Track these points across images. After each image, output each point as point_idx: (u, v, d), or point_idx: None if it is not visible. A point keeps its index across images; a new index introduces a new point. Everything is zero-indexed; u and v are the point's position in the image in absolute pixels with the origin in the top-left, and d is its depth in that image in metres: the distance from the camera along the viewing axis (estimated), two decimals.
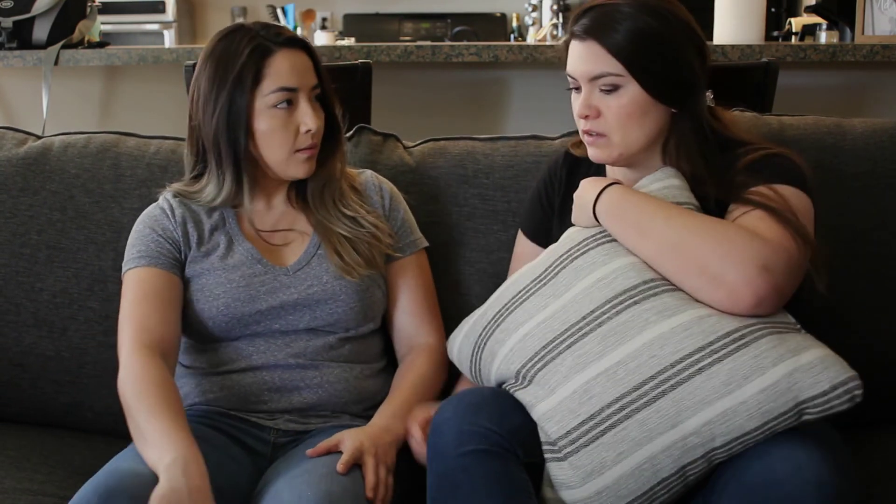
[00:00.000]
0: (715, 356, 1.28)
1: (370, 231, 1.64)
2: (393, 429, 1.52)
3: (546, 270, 1.48)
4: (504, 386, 1.46)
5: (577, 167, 1.64)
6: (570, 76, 1.51)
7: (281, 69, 1.55)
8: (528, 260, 1.63)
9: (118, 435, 1.78)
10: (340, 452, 1.44)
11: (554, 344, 1.39)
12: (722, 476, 1.29)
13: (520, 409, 1.39)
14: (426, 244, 1.74)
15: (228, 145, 1.57)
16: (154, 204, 1.67)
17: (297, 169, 1.59)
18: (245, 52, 1.54)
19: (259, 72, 1.54)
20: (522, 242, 1.70)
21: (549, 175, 1.68)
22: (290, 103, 1.56)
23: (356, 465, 1.43)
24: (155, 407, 1.41)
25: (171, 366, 1.53)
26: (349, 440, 1.45)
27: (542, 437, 1.37)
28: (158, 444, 1.37)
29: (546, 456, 1.36)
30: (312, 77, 1.59)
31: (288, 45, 1.57)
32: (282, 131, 1.56)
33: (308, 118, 1.56)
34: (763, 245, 1.33)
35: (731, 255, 1.32)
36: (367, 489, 1.39)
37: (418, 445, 1.48)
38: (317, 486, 1.35)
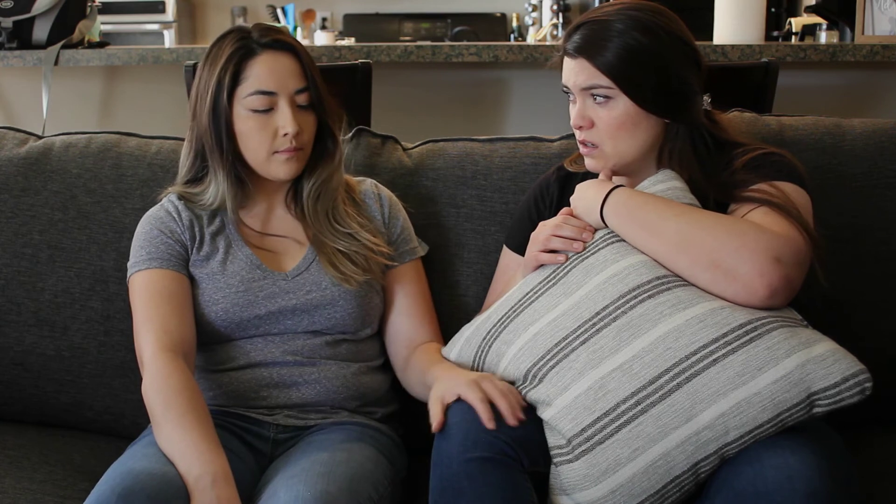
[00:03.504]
0: (729, 347, 1.29)
1: (366, 245, 1.64)
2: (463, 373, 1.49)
3: (555, 271, 1.49)
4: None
5: (569, 183, 1.65)
6: (564, 87, 1.52)
7: (260, 72, 1.55)
8: (514, 274, 1.64)
9: (118, 434, 1.79)
10: (340, 451, 1.47)
11: (567, 341, 1.39)
12: (714, 482, 1.29)
13: (527, 417, 1.39)
14: (424, 252, 1.75)
15: (216, 145, 1.58)
16: (158, 205, 1.67)
17: (279, 170, 1.59)
18: (227, 53, 1.56)
19: (237, 75, 1.55)
20: (508, 256, 1.70)
21: (541, 191, 1.69)
22: (270, 106, 1.56)
23: (356, 466, 1.44)
24: (184, 417, 1.43)
25: (192, 366, 1.54)
26: (464, 390, 1.40)
27: (551, 441, 1.37)
28: (187, 457, 1.39)
29: (555, 460, 1.36)
30: (297, 80, 1.58)
31: (272, 48, 1.57)
32: (259, 133, 1.56)
33: (286, 121, 1.56)
34: (773, 237, 1.35)
35: (744, 248, 1.34)
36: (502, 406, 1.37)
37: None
38: (313, 486, 1.35)
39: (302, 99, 1.59)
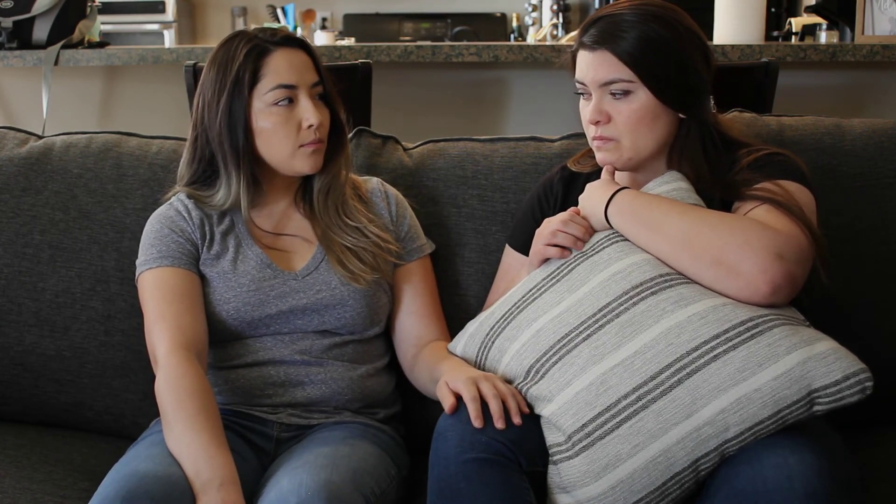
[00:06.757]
0: (730, 343, 1.29)
1: (374, 241, 1.65)
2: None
3: (559, 268, 1.49)
4: (511, 385, 1.46)
5: (573, 183, 1.66)
6: (579, 82, 1.52)
7: (278, 67, 1.57)
8: (517, 273, 1.64)
9: (118, 434, 1.80)
10: (343, 446, 1.48)
11: (570, 337, 1.40)
12: (713, 482, 1.30)
13: (523, 417, 1.39)
14: (432, 249, 1.76)
15: (231, 147, 1.58)
16: (167, 204, 1.68)
17: (304, 164, 1.60)
18: (242, 53, 1.57)
19: (256, 72, 1.57)
20: (511, 255, 1.71)
21: (545, 191, 1.69)
22: (291, 101, 1.58)
23: (359, 460, 1.45)
24: (195, 419, 1.43)
25: (205, 365, 1.55)
26: (461, 385, 1.42)
27: (550, 439, 1.37)
28: (196, 459, 1.39)
29: (554, 458, 1.36)
30: (312, 75, 1.61)
31: (285, 44, 1.59)
32: (283, 128, 1.57)
33: (309, 113, 1.58)
34: (775, 234, 1.35)
35: (746, 245, 1.34)
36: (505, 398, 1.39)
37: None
38: (317, 475, 1.36)
39: (317, 92, 1.61)
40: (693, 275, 1.39)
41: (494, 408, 1.38)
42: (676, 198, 1.46)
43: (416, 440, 1.67)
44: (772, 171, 1.48)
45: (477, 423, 1.36)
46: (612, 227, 1.48)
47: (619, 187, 1.49)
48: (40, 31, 2.82)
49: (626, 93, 1.48)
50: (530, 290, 1.51)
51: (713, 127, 1.53)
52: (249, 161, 1.60)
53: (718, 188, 1.50)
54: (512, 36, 5.51)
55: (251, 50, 1.57)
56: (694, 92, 1.49)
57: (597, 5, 4.45)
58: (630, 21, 1.47)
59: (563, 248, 1.50)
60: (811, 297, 1.43)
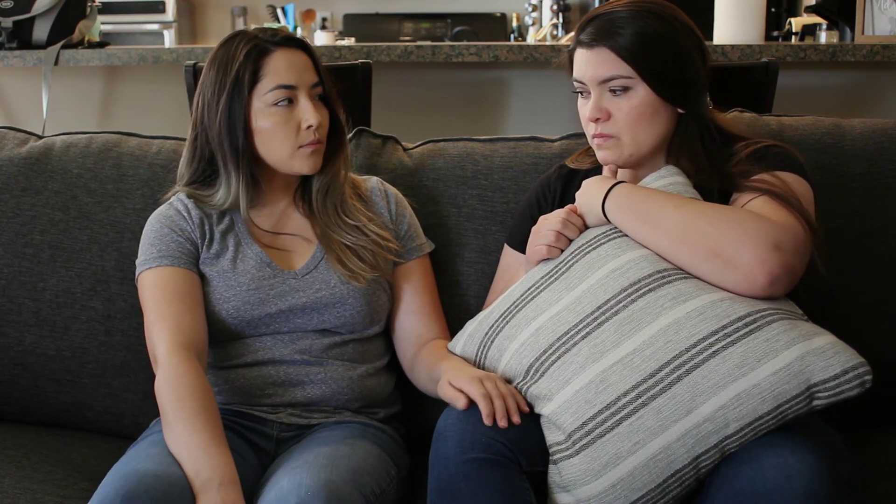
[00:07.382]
0: (728, 339, 1.29)
1: (374, 240, 1.65)
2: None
3: (556, 267, 1.49)
4: (511, 384, 1.46)
5: (571, 181, 1.66)
6: (577, 81, 1.53)
7: (278, 68, 1.57)
8: (516, 272, 1.64)
9: (118, 434, 1.80)
10: (343, 446, 1.48)
11: (569, 335, 1.40)
12: (713, 482, 1.30)
13: (523, 417, 1.39)
14: (431, 248, 1.76)
15: (231, 147, 1.58)
16: (167, 204, 1.68)
17: (303, 164, 1.60)
18: (242, 53, 1.57)
19: (256, 72, 1.57)
20: (510, 254, 1.71)
21: (543, 189, 1.69)
22: (290, 101, 1.58)
23: (359, 460, 1.45)
24: (195, 418, 1.43)
25: (205, 365, 1.55)
26: (466, 384, 1.43)
27: (550, 438, 1.37)
28: (195, 459, 1.39)
29: (554, 457, 1.36)
30: (312, 75, 1.61)
31: (285, 45, 1.59)
32: (283, 128, 1.58)
33: (309, 114, 1.58)
34: (773, 226, 1.36)
35: (743, 236, 1.35)
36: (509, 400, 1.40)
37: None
38: (317, 475, 1.36)
39: (316, 93, 1.61)
40: (691, 268, 1.39)
41: (499, 407, 1.38)
42: (673, 192, 1.47)
43: (416, 440, 1.67)
44: (769, 163, 1.48)
45: (488, 420, 1.36)
46: (609, 223, 1.48)
47: (615, 182, 1.49)
48: (40, 31, 2.82)
49: (626, 89, 1.48)
50: (528, 289, 1.51)
51: (711, 121, 1.54)
52: (249, 161, 1.60)
53: (717, 181, 1.50)
54: (512, 36, 5.51)
55: (251, 50, 1.57)
56: (692, 86, 1.50)
57: (596, 5, 4.45)
58: (626, 18, 1.47)
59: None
60: (809, 291, 1.43)
